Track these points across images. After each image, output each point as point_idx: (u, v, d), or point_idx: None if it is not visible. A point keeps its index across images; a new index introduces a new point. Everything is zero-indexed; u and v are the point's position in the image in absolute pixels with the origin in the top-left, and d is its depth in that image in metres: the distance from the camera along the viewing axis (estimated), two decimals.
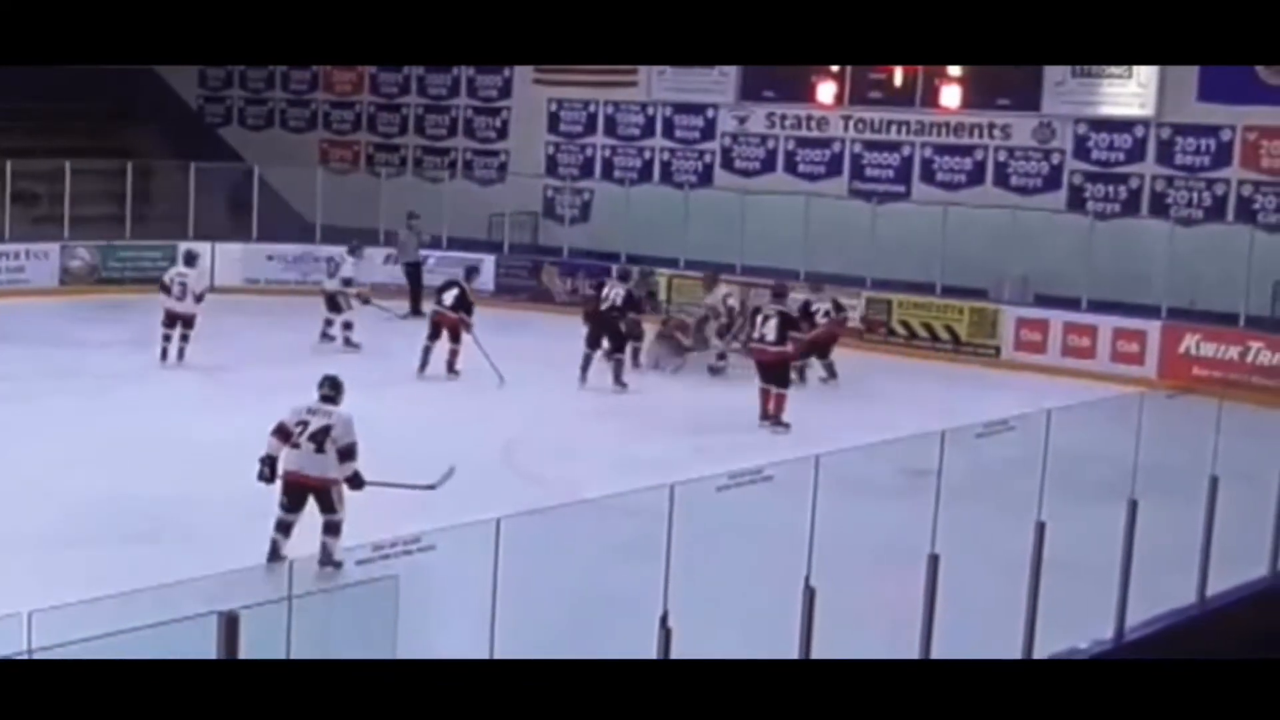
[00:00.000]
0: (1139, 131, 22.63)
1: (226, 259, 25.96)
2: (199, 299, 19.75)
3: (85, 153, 26.94)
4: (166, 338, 19.68)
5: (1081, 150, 23.17)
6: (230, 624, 6.11)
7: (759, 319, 17.95)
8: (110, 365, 19.55)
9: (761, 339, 17.74)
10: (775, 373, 17.63)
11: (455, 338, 19.97)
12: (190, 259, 20.30)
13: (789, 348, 17.80)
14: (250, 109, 32.29)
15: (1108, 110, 22.88)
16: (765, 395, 17.54)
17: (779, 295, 18.57)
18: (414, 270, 25.12)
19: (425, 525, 7.25)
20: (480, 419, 12.18)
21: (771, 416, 17.34)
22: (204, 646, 6.11)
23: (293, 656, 6.30)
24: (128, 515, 12.71)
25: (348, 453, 11.50)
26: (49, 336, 21.24)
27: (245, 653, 6.17)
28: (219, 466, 14.31)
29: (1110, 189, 22.89)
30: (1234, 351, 19.97)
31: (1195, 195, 22.18)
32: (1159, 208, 22.44)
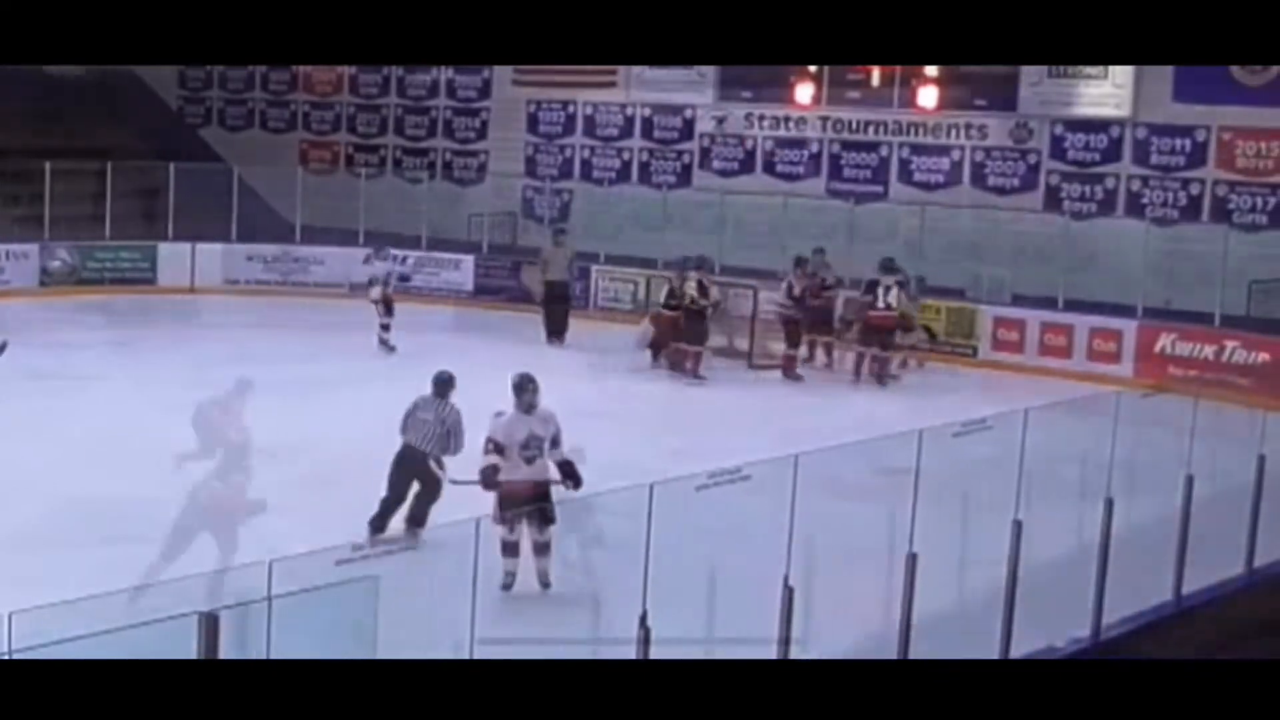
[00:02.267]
0: (1115, 132, 22.71)
1: (206, 259, 25.97)
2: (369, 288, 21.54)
3: (65, 153, 26.83)
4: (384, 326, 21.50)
5: (1058, 150, 23.24)
6: (210, 624, 6.12)
7: (879, 289, 19.87)
8: (90, 366, 19.49)
9: (888, 306, 19.88)
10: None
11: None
12: (381, 254, 22.06)
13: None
14: (230, 109, 32.23)
15: (1084, 110, 22.96)
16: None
17: (890, 270, 20.21)
18: (558, 290, 23.16)
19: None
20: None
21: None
22: (184, 647, 6.13)
23: (273, 657, 6.31)
24: (107, 516, 12.68)
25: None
26: (28, 337, 21.16)
27: (225, 653, 6.19)
28: (198, 467, 14.31)
29: (1086, 189, 22.97)
30: (1209, 351, 20.03)
31: (1171, 195, 22.27)
32: (1135, 208, 22.53)
